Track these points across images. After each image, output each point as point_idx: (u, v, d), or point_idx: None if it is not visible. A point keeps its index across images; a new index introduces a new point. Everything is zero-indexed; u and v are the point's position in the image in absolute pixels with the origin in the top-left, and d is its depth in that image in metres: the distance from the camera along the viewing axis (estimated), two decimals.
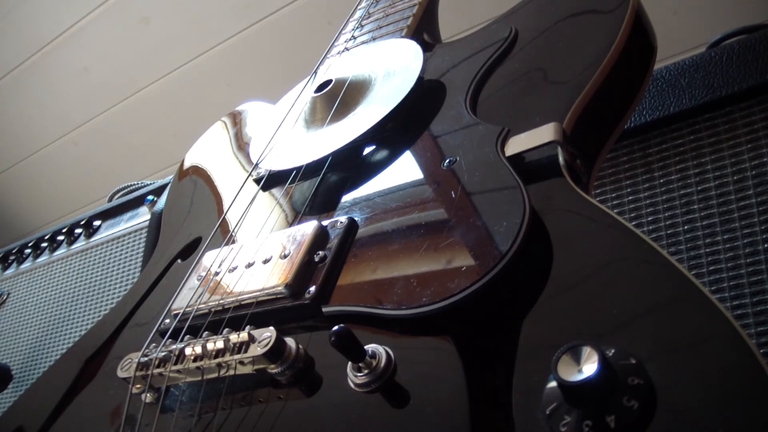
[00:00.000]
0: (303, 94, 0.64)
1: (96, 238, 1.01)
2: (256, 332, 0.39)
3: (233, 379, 0.40)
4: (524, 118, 0.44)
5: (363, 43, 0.66)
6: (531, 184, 0.39)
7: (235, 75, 1.52)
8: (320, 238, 0.45)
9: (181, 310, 0.46)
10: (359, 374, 0.34)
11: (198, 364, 0.40)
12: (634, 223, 0.56)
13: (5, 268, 1.15)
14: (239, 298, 0.44)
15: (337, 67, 0.63)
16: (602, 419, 0.25)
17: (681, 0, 1.07)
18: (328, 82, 0.59)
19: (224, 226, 0.57)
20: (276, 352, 0.37)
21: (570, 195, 0.38)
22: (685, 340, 0.27)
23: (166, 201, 0.77)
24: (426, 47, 0.59)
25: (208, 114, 0.95)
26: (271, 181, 0.58)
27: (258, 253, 0.47)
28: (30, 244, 1.12)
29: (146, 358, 0.43)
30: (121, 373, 0.44)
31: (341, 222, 0.45)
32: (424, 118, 0.51)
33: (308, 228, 0.45)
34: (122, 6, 1.51)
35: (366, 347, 0.34)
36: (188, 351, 0.41)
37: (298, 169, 0.55)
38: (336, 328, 0.33)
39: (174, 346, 0.42)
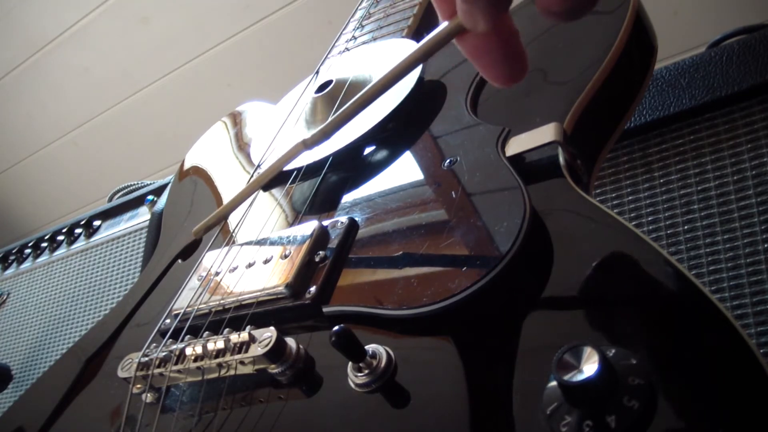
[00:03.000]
0: (304, 94, 0.64)
1: (96, 238, 1.01)
2: (256, 332, 0.39)
3: (234, 379, 0.40)
4: (525, 119, 0.44)
5: (364, 43, 0.66)
6: (531, 184, 0.39)
7: (235, 75, 1.52)
8: (321, 238, 0.45)
9: (182, 310, 0.46)
10: (360, 374, 0.34)
11: (198, 364, 0.40)
12: (634, 223, 0.56)
13: (5, 268, 1.15)
14: (240, 298, 0.44)
15: (337, 67, 0.63)
16: (603, 419, 0.25)
17: (681, 0, 1.07)
18: (329, 82, 0.59)
19: (225, 226, 0.57)
20: (276, 352, 0.37)
21: (570, 195, 0.38)
22: (685, 341, 0.27)
23: (166, 201, 0.77)
24: None
25: (208, 114, 0.95)
26: (271, 181, 0.58)
27: (259, 253, 0.47)
28: (30, 244, 1.12)
29: (147, 358, 0.43)
30: (121, 373, 0.44)
31: (342, 222, 0.45)
32: (424, 118, 0.51)
33: (309, 228, 0.45)
34: (122, 6, 1.51)
35: (366, 347, 0.34)
36: (189, 351, 0.41)
37: (299, 169, 0.55)
38: (336, 328, 0.33)
39: (174, 346, 0.42)
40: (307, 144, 0.38)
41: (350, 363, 0.34)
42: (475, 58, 0.30)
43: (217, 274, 0.48)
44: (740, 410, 0.24)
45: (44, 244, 1.09)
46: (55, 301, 1.01)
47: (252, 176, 0.60)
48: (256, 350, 0.38)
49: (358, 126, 0.53)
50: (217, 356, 0.40)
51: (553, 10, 0.26)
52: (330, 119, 0.36)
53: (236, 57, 1.48)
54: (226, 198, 0.63)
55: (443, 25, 0.29)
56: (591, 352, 0.26)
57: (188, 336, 0.43)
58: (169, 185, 0.78)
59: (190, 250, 0.59)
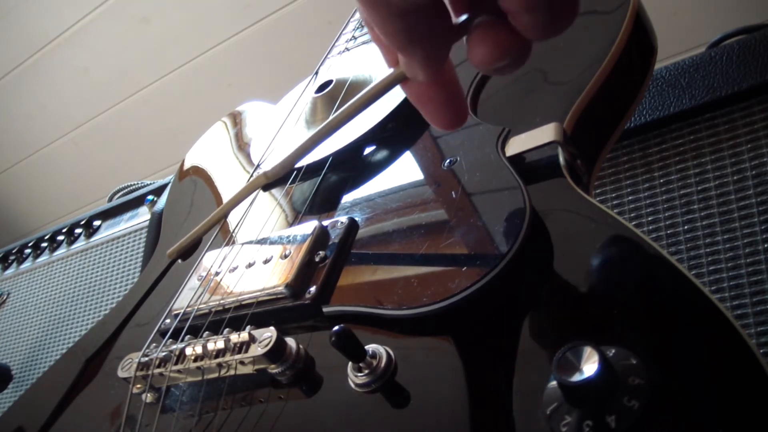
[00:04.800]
0: (304, 94, 0.64)
1: (96, 238, 1.01)
2: (256, 332, 0.39)
3: (234, 379, 0.40)
4: (525, 119, 0.44)
5: (364, 43, 0.66)
6: (531, 184, 0.39)
7: (236, 75, 1.52)
8: (321, 238, 0.45)
9: (182, 310, 0.46)
10: (360, 374, 0.34)
11: (198, 364, 0.40)
12: (634, 223, 0.56)
13: (5, 268, 1.15)
14: (240, 298, 0.44)
15: (337, 67, 0.63)
16: (603, 419, 0.25)
17: (681, 0, 1.07)
18: (329, 82, 0.59)
19: (225, 226, 0.57)
20: (276, 352, 0.37)
21: (570, 195, 0.38)
22: (685, 341, 0.27)
23: (166, 201, 0.77)
24: None
25: (208, 114, 0.95)
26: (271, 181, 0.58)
27: (258, 253, 0.47)
28: (30, 244, 1.12)
29: (147, 358, 0.43)
30: (121, 373, 0.44)
31: (342, 222, 0.45)
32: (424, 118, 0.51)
33: (309, 228, 0.45)
34: (122, 6, 1.51)
35: (366, 347, 0.34)
36: (189, 351, 0.41)
37: (299, 169, 0.55)
38: (336, 328, 0.33)
39: (174, 346, 0.42)
40: (268, 177, 0.39)
41: (350, 363, 0.34)
42: (418, 104, 0.32)
43: (216, 273, 0.48)
44: (740, 410, 0.24)
45: (44, 244, 1.09)
46: (55, 301, 1.01)
47: (251, 175, 0.60)
48: (256, 350, 0.38)
49: (358, 126, 0.53)
50: (217, 356, 0.40)
51: (488, 69, 0.28)
52: (289, 153, 0.37)
53: (236, 57, 1.48)
54: (227, 197, 0.63)
55: (389, 71, 0.31)
56: (591, 352, 0.26)
57: (188, 336, 0.43)
58: (169, 185, 0.78)
59: (190, 250, 0.59)
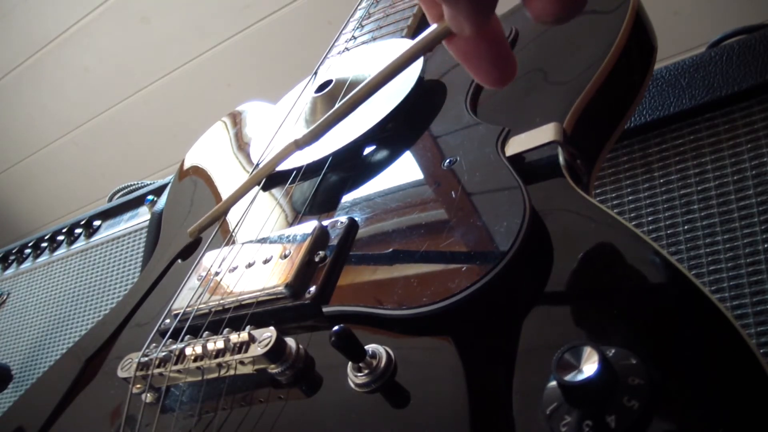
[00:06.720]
0: (303, 94, 0.64)
1: (96, 238, 1.01)
2: (256, 332, 0.39)
3: (233, 379, 0.40)
4: (524, 118, 0.44)
5: (363, 43, 0.66)
6: (531, 184, 0.39)
7: (235, 75, 1.52)
8: (320, 238, 0.45)
9: (182, 310, 0.46)
10: (359, 374, 0.34)
11: (198, 364, 0.40)
12: (634, 223, 0.56)
13: (5, 268, 1.15)
14: (239, 298, 0.44)
15: (337, 67, 0.63)
16: (602, 419, 0.25)
17: (681, 0, 1.07)
18: (329, 82, 0.59)
19: (224, 226, 0.57)
20: (276, 352, 0.37)
21: (570, 195, 0.38)
22: (685, 341, 0.27)
23: (166, 201, 0.77)
24: None
25: (208, 114, 0.95)
26: (271, 181, 0.58)
27: (258, 253, 0.47)
28: (30, 244, 1.12)
29: (146, 358, 0.43)
30: (121, 373, 0.44)
31: (341, 222, 0.45)
32: (424, 118, 0.51)
33: (308, 228, 0.45)
34: (122, 6, 1.51)
35: (366, 347, 0.34)
36: (188, 351, 0.41)
37: (299, 169, 0.55)
38: (336, 328, 0.33)
39: (174, 346, 0.42)
40: (299, 144, 0.38)
41: (350, 363, 0.34)
42: (464, 61, 0.31)
43: (216, 273, 0.48)
44: (740, 410, 0.24)
45: (44, 244, 1.09)
46: (55, 301, 1.01)
47: (251, 173, 0.60)
48: (256, 350, 0.38)
49: (358, 126, 0.53)
50: (216, 356, 0.40)
51: (547, 20, 0.27)
52: (321, 120, 0.36)
53: (236, 57, 1.48)
54: (226, 197, 0.63)
55: (432, 27, 0.30)
56: (591, 352, 0.26)
57: (188, 336, 0.43)
58: (169, 185, 0.78)
59: (190, 250, 0.59)
